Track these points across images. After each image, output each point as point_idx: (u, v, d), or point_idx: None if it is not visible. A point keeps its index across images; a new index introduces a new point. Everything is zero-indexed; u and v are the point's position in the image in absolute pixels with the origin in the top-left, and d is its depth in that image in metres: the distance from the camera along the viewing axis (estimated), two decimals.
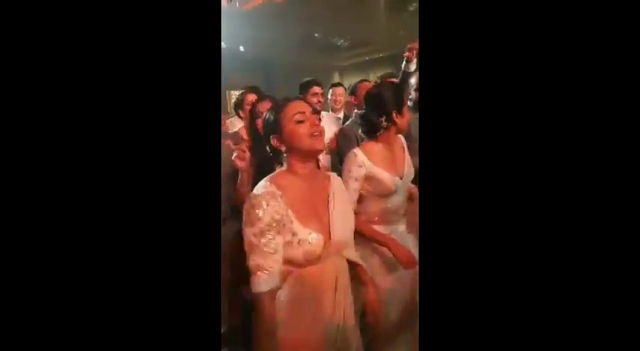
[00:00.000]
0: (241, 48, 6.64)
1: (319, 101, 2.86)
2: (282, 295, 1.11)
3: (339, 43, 7.99)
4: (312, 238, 1.09)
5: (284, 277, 1.11)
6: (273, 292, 1.06)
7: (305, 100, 1.24)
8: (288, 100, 1.20)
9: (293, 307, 1.11)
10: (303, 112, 1.15)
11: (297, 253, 1.08)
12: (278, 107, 1.18)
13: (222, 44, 6.38)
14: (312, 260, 1.10)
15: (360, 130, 1.77)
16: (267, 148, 1.21)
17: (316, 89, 2.85)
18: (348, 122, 2.74)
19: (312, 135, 1.13)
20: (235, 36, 6.03)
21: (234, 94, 2.93)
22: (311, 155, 1.18)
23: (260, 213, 1.04)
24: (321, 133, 1.16)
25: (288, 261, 1.10)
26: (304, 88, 2.91)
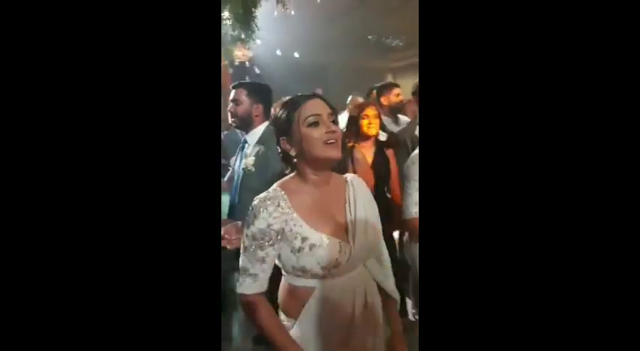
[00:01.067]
0: (296, 54, 6.76)
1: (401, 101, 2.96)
2: (304, 317, 1.01)
3: (393, 44, 7.88)
4: (325, 242, 0.96)
5: (303, 296, 1.01)
6: (260, 295, 1.01)
7: (323, 98, 1.07)
8: (303, 97, 1.04)
9: (317, 328, 1.00)
10: (319, 114, 0.99)
11: (311, 260, 0.96)
12: (292, 105, 1.03)
13: (278, 52, 6.53)
14: (330, 268, 0.97)
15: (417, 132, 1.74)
16: (278, 150, 1.07)
17: (397, 90, 2.96)
18: (404, 126, 2.71)
19: (326, 142, 0.98)
20: (289, 42, 6.14)
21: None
22: (325, 164, 1.03)
23: (257, 217, 0.97)
24: (338, 139, 1.00)
25: (303, 272, 0.99)
26: (384, 89, 2.98)
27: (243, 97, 2.00)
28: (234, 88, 2.08)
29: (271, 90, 2.16)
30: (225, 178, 2.29)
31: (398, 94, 2.96)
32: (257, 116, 1.98)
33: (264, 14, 4.79)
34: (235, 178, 2.00)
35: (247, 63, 5.72)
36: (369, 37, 7.53)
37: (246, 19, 4.59)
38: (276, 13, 4.71)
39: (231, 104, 2.02)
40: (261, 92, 2.06)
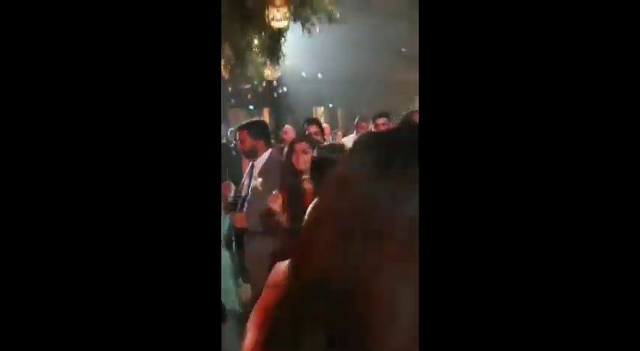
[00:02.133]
0: (319, 75, 7.05)
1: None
2: None
3: None
4: None
5: None
6: None
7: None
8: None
9: None
10: None
11: None
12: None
13: (303, 74, 6.89)
14: None
15: None
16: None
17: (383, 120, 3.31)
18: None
19: None
20: (314, 64, 6.40)
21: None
22: None
23: None
24: None
25: None
26: (377, 117, 3.36)
27: (246, 137, 2.61)
28: (238, 129, 2.70)
29: (267, 124, 2.77)
30: (231, 197, 2.83)
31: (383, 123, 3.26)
32: (260, 149, 2.56)
33: (293, 40, 5.20)
34: (243, 195, 2.58)
35: (275, 82, 6.21)
36: (403, 49, 7.64)
37: (273, 49, 5.07)
38: (301, 33, 5.15)
39: (238, 143, 2.67)
40: (259, 129, 2.65)
